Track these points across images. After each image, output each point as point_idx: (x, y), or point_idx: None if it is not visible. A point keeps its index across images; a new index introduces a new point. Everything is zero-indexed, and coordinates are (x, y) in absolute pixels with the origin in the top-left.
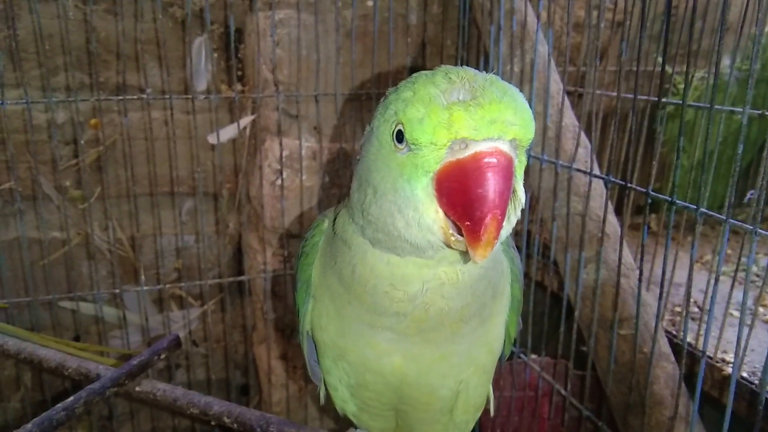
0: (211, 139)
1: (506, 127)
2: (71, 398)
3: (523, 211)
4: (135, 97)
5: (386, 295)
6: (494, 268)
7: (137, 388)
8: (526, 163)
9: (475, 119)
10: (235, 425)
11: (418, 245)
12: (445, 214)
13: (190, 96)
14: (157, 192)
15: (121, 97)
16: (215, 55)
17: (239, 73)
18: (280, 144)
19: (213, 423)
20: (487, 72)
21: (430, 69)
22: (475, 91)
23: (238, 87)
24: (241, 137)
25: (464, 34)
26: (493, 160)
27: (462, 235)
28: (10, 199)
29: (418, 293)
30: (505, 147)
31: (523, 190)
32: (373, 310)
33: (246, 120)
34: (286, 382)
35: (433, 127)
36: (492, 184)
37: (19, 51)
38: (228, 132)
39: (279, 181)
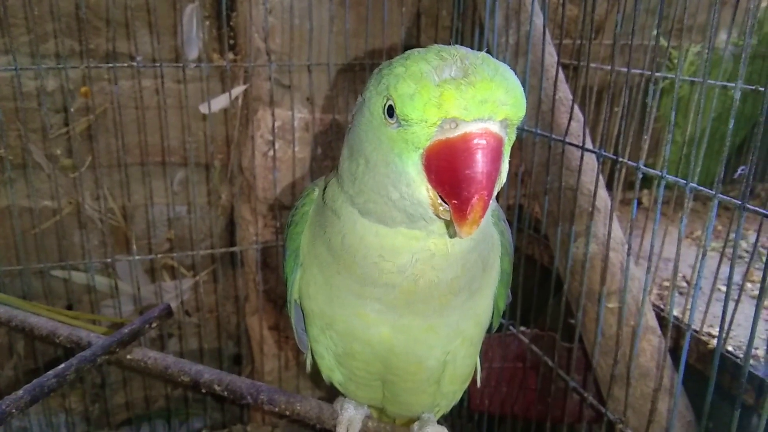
0: (203, 108)
1: (497, 107)
2: (62, 365)
3: (515, 185)
4: (125, 64)
5: (375, 265)
6: (484, 241)
7: (128, 356)
8: (515, 139)
9: (465, 99)
10: (226, 393)
11: (412, 216)
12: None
13: (181, 64)
14: (149, 162)
15: (111, 65)
16: (207, 22)
17: (231, 41)
18: (272, 114)
19: (204, 391)
20: (482, 43)
21: (425, 40)
22: (466, 69)
23: (230, 56)
24: (233, 107)
25: (460, 4)
26: (483, 141)
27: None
28: (0, 167)
29: (408, 264)
30: (495, 128)
31: (507, 167)
32: (361, 280)
33: (238, 90)
34: (278, 353)
35: (423, 105)
36: (480, 166)
37: (8, 17)
38: (220, 102)
39: (271, 152)
